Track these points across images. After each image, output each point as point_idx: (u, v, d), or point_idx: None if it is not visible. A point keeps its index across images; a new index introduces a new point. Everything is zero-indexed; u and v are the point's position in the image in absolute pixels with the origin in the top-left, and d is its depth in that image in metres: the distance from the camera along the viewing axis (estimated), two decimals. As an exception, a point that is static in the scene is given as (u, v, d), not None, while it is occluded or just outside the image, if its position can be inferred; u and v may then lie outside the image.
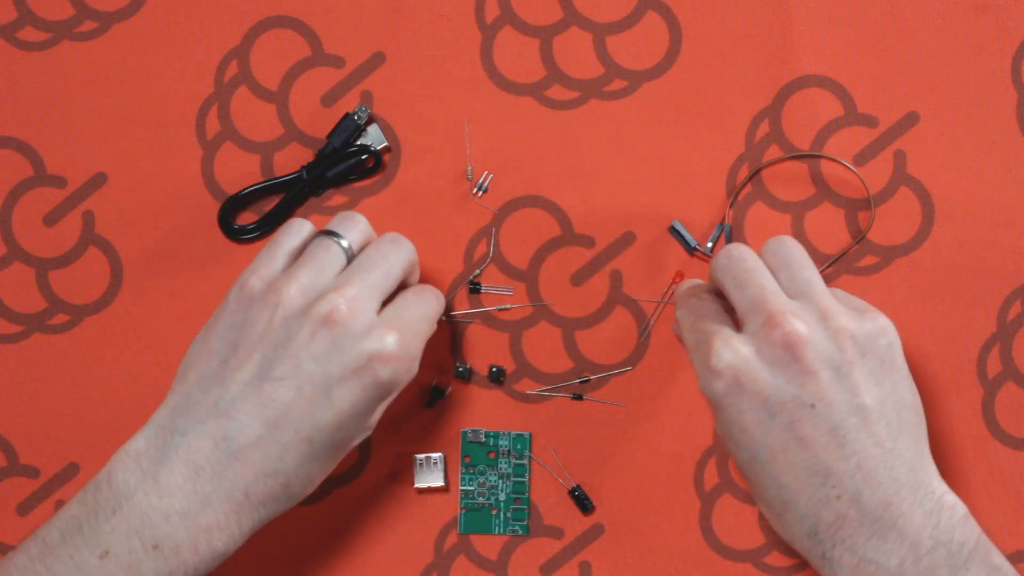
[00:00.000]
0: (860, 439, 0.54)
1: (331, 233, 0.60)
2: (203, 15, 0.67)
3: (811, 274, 0.58)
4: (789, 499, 0.55)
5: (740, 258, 0.58)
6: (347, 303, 0.57)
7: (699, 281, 0.64)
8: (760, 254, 0.59)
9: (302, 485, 0.57)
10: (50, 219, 0.67)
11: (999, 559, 0.54)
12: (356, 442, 0.58)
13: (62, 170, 0.67)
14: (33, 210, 0.67)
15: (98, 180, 0.67)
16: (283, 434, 0.56)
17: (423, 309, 0.60)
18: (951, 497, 0.54)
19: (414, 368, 0.58)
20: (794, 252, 0.59)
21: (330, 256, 0.59)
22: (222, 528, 0.55)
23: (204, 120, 0.67)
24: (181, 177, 0.67)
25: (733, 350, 0.56)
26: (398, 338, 0.57)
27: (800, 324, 0.55)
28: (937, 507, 0.54)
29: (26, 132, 0.67)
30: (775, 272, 0.58)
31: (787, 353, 0.55)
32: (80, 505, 0.55)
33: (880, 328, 0.56)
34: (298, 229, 0.61)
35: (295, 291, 0.57)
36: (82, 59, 0.67)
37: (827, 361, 0.55)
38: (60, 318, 0.67)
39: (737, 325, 0.58)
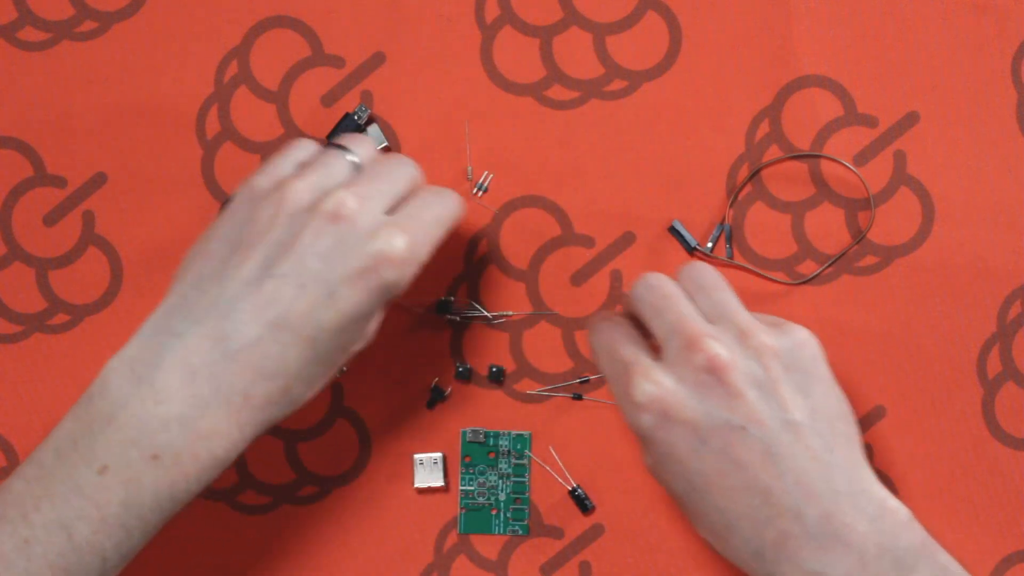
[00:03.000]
0: (795, 454, 0.54)
1: (340, 147, 0.59)
2: (203, 15, 0.67)
3: (726, 295, 0.57)
4: (730, 523, 0.55)
5: (658, 286, 0.58)
6: (355, 199, 0.55)
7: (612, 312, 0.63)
8: (677, 280, 0.59)
9: (303, 389, 0.55)
10: (50, 219, 0.67)
11: (946, 558, 0.54)
12: (356, 349, 0.56)
13: (62, 170, 0.67)
14: (33, 210, 0.67)
15: (98, 180, 0.67)
16: (284, 334, 0.54)
17: (438, 211, 0.58)
18: (893, 502, 0.54)
19: (416, 272, 0.56)
20: (708, 275, 0.58)
21: (339, 164, 0.58)
22: (222, 434, 0.53)
23: (204, 120, 0.67)
24: (181, 177, 0.67)
25: (655, 382, 0.55)
26: (408, 240, 0.55)
27: (720, 347, 0.55)
28: (880, 513, 0.54)
29: (26, 132, 0.67)
30: (692, 296, 0.58)
31: (711, 377, 0.54)
32: (73, 420, 0.54)
33: (801, 341, 0.56)
34: (305, 145, 0.60)
35: (302, 187, 0.55)
36: (82, 59, 0.67)
37: (752, 381, 0.55)
38: (60, 318, 0.67)
39: (654, 350, 0.57)
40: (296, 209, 0.55)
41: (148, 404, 0.53)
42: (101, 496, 0.52)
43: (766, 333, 0.56)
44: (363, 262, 0.54)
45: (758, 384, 0.55)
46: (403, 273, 0.55)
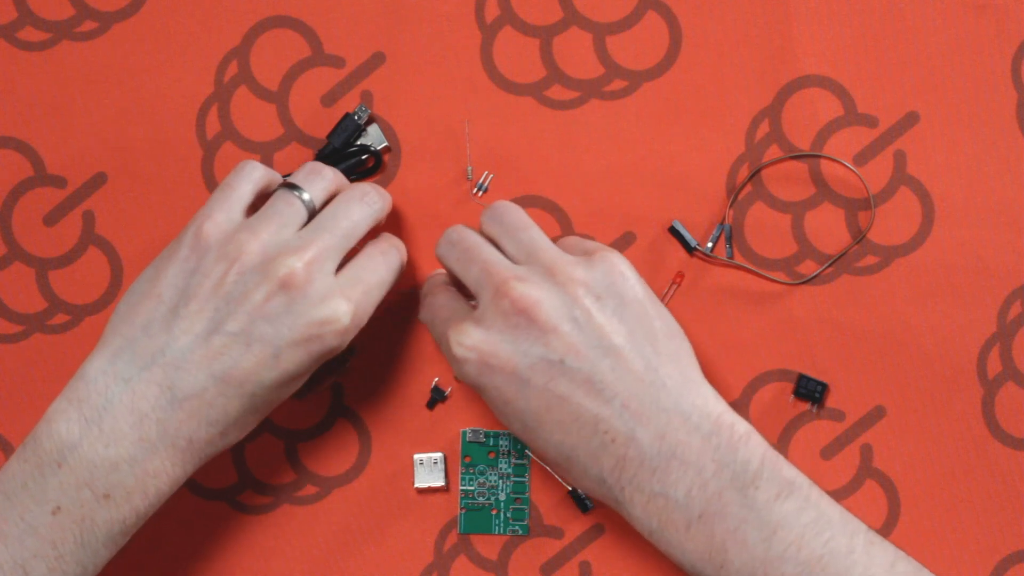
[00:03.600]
0: (619, 379, 0.54)
1: (293, 187, 0.59)
2: (203, 15, 0.67)
3: (531, 233, 0.58)
4: (569, 455, 0.56)
5: (459, 239, 0.59)
6: (305, 268, 0.56)
7: (441, 276, 0.63)
8: (480, 228, 0.59)
9: (238, 433, 0.58)
10: (50, 219, 0.67)
11: (791, 472, 0.54)
12: (285, 398, 0.59)
13: (62, 170, 0.67)
14: (33, 210, 0.67)
15: (98, 180, 0.67)
16: (228, 388, 0.56)
17: (382, 275, 0.60)
18: (730, 417, 0.55)
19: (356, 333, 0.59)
20: (510, 215, 0.59)
21: (292, 211, 0.59)
22: (168, 472, 0.56)
23: (204, 120, 0.67)
24: (181, 177, 0.67)
25: (467, 334, 0.56)
26: (353, 310, 0.57)
27: (526, 287, 0.55)
28: (715, 428, 0.54)
29: (26, 132, 0.67)
30: (498, 241, 0.58)
31: (522, 318, 0.55)
32: (20, 462, 0.55)
33: (609, 266, 0.56)
34: (249, 173, 0.60)
35: (255, 247, 0.57)
36: (82, 59, 0.67)
37: (564, 315, 0.55)
38: (60, 318, 0.67)
39: (474, 305, 0.58)
40: (247, 268, 0.56)
41: (98, 447, 0.54)
42: (56, 536, 0.54)
43: (573, 265, 0.56)
44: (310, 330, 0.56)
45: (571, 317, 0.55)
46: (345, 339, 0.58)
